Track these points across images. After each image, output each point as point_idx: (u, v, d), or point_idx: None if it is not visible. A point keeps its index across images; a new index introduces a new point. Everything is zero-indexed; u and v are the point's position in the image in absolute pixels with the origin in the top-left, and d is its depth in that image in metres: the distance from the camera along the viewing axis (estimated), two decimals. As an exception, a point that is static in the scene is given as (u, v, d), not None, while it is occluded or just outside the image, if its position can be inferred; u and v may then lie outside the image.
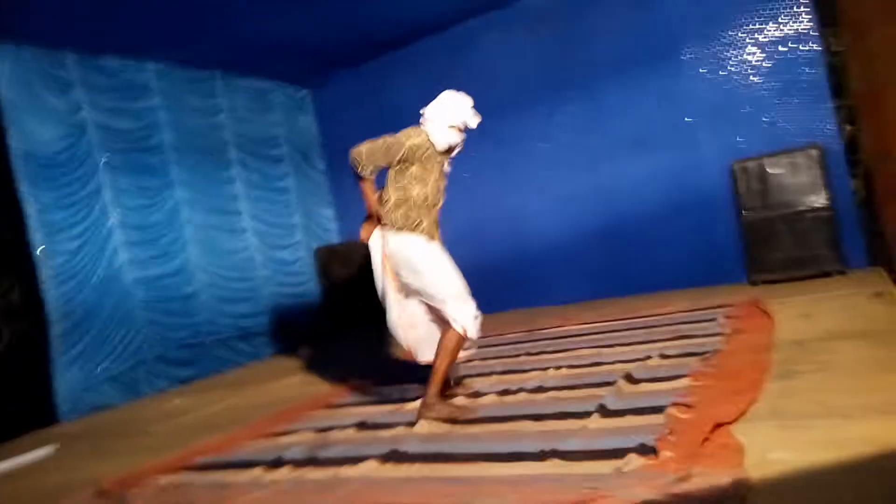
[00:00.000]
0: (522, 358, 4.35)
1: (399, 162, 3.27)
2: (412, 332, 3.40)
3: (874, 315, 3.67)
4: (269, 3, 5.51)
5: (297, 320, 7.45)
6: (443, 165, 3.43)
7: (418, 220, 3.28)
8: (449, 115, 3.32)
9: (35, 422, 4.96)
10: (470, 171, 6.88)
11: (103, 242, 5.65)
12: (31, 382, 5.20)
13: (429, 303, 3.30)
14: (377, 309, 3.52)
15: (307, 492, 2.56)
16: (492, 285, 6.74)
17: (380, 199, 3.37)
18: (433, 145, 3.32)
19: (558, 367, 3.84)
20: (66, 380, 5.18)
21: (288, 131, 7.73)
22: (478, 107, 3.33)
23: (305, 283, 7.69)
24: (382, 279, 3.38)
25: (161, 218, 6.19)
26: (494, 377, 3.93)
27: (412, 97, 7.32)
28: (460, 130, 3.37)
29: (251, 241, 7.09)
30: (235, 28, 5.85)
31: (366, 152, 3.23)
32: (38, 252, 5.14)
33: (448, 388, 3.52)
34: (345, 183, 7.99)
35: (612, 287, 6.28)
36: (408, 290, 3.34)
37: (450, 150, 3.41)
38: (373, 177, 3.29)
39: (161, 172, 6.26)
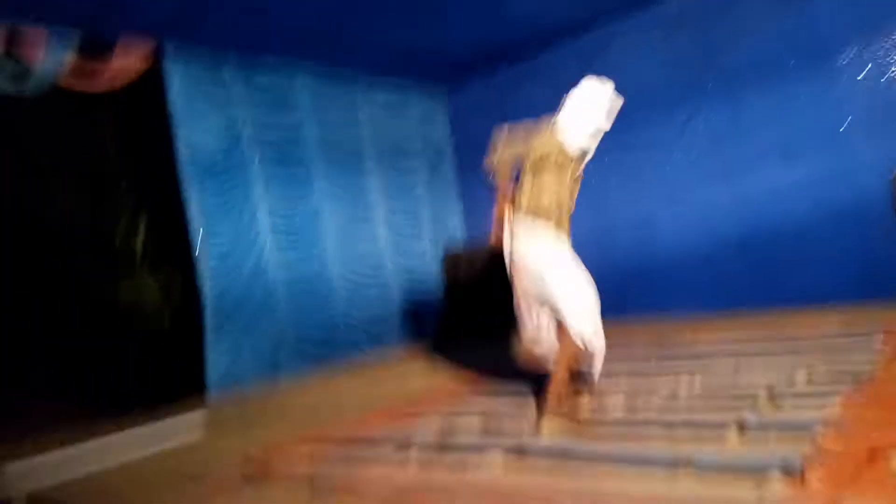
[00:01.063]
0: (652, 365, 4.22)
1: (532, 164, 3.25)
2: (536, 347, 3.32)
3: None
4: (408, 9, 5.71)
5: (423, 322, 7.67)
6: (577, 170, 3.38)
7: (548, 225, 3.23)
8: (583, 118, 3.26)
9: (189, 394, 5.44)
10: (599, 177, 6.81)
11: (253, 242, 6.12)
12: (187, 360, 5.75)
13: (552, 310, 3.21)
14: (497, 314, 3.53)
15: (434, 476, 2.65)
16: (618, 292, 6.56)
17: (511, 202, 3.34)
18: (566, 149, 3.28)
19: (690, 377, 3.68)
20: (216, 360, 5.65)
21: (421, 138, 8.02)
22: None
23: (432, 286, 7.90)
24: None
25: (303, 223, 6.61)
26: (622, 380, 3.84)
27: (544, 104, 7.32)
28: (594, 135, 3.29)
29: (383, 246, 7.41)
30: (375, 32, 6.11)
31: (497, 160, 3.26)
32: (196, 251, 5.66)
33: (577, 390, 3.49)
34: (473, 188, 8.14)
35: (751, 300, 5.91)
36: (529, 297, 3.26)
37: (585, 153, 3.34)
38: (505, 180, 3.28)
39: (304, 181, 6.69)
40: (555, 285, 3.13)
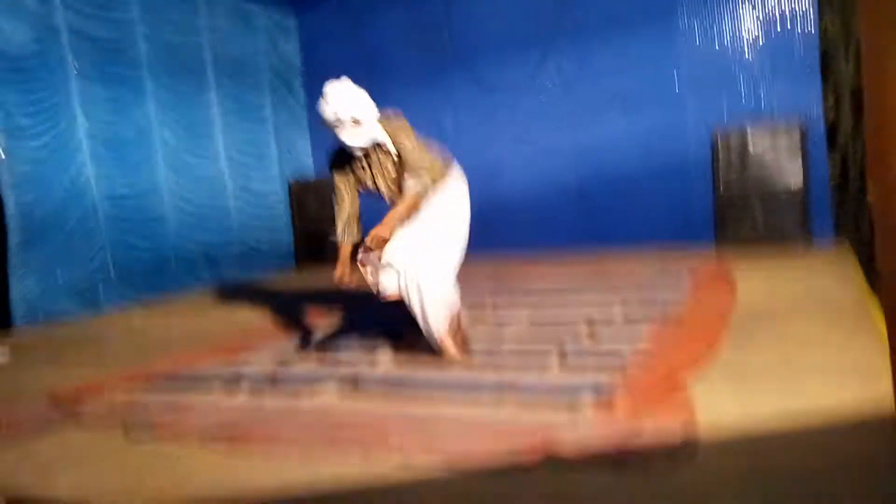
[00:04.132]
0: (487, 304, 4.38)
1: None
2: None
3: (832, 291, 3.77)
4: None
5: (266, 252, 7.40)
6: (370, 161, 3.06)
7: None
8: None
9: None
10: (453, 115, 6.81)
11: (71, 153, 5.47)
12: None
13: None
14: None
15: (263, 416, 2.56)
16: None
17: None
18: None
19: (521, 315, 3.88)
20: (23, 286, 5.08)
21: (270, 58, 7.51)
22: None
23: (277, 215, 7.60)
24: None
25: (132, 135, 6.00)
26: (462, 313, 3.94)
27: (399, 34, 7.18)
28: (328, 123, 2.92)
29: (224, 167, 6.95)
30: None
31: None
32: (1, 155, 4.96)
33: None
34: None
35: (584, 241, 6.35)
36: None
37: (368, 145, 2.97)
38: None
39: (135, 87, 6.04)
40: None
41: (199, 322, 4.91)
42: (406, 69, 7.02)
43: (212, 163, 6.82)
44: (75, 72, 5.52)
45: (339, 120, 2.87)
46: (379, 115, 2.97)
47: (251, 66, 7.29)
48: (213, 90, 6.83)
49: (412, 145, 2.96)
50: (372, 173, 3.07)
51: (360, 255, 2.90)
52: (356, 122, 2.88)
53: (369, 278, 2.95)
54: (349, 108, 2.85)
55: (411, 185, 2.90)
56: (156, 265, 6.18)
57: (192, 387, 3.06)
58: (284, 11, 7.68)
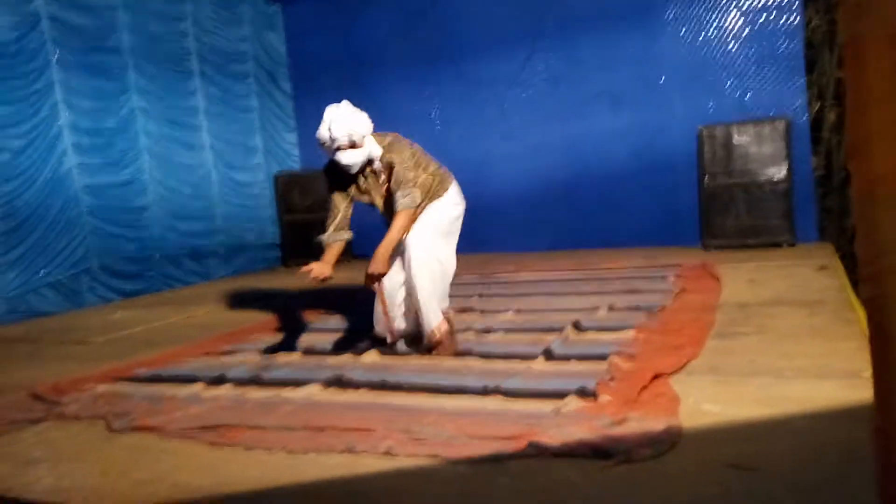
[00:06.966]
0: (474, 300, 4.39)
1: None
2: None
3: (816, 286, 3.80)
4: None
5: (252, 244, 7.35)
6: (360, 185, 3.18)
7: None
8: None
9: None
10: (440, 111, 6.79)
11: (52, 143, 5.39)
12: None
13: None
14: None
15: (247, 409, 2.55)
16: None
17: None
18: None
19: (508, 311, 3.88)
20: (4, 281, 5.01)
21: (255, 48, 7.43)
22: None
23: (262, 207, 7.55)
24: None
25: (115, 124, 5.93)
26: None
27: (385, 29, 7.14)
28: (325, 147, 3.00)
29: (208, 158, 6.88)
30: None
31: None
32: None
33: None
34: (310, 108, 7.78)
35: (571, 240, 6.35)
36: None
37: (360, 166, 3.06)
38: None
39: (118, 76, 5.96)
40: None
41: (182, 318, 4.86)
42: (393, 62, 6.97)
43: (196, 153, 6.75)
44: (56, 58, 5.43)
45: (336, 143, 2.95)
46: (373, 133, 3.06)
47: (236, 55, 7.22)
48: (197, 79, 6.76)
49: (403, 162, 3.05)
50: (366, 187, 3.17)
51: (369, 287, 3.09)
52: (353, 145, 2.96)
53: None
54: (347, 132, 2.93)
55: (400, 198, 3.00)
56: (138, 258, 6.11)
57: (174, 382, 3.04)
58: (269, 1, 7.61)
